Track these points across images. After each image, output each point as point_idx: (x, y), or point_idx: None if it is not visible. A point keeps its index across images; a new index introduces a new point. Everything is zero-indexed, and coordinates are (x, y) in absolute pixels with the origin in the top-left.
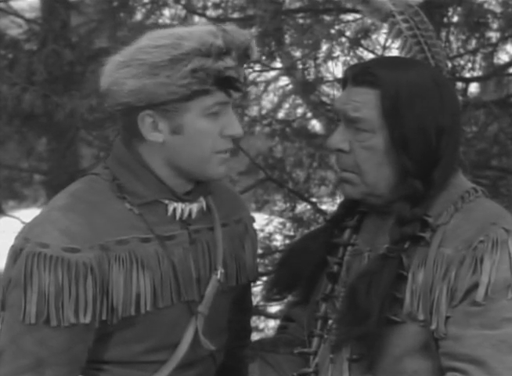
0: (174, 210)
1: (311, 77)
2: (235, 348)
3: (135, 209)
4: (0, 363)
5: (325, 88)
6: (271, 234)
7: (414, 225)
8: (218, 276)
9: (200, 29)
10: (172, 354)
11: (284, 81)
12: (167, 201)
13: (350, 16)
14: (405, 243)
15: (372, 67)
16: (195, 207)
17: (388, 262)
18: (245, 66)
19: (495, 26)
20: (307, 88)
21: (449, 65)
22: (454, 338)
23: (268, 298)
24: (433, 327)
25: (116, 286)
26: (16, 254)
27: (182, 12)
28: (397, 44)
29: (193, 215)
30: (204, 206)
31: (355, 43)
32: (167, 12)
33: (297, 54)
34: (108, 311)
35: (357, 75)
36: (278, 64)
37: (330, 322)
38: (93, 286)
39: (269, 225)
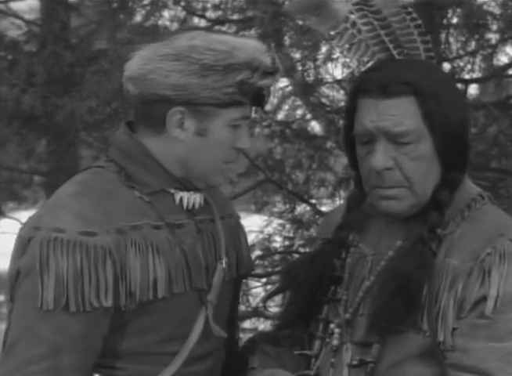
0: (181, 199)
1: (310, 78)
2: (225, 346)
3: (145, 197)
4: (14, 353)
5: (324, 90)
6: (270, 235)
7: (443, 216)
8: (224, 265)
9: (251, 43)
10: (184, 344)
11: (284, 82)
12: (173, 191)
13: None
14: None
15: (400, 75)
16: (198, 197)
17: (430, 251)
18: None
19: (494, 27)
20: (306, 90)
21: (449, 66)
22: (461, 350)
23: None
24: (440, 339)
25: (133, 270)
26: (23, 244)
27: (182, 14)
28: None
29: (197, 205)
30: (203, 199)
31: None
32: (166, 13)
33: (297, 55)
34: (126, 295)
35: (387, 87)
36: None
37: (332, 326)
38: (113, 269)
39: (269, 226)
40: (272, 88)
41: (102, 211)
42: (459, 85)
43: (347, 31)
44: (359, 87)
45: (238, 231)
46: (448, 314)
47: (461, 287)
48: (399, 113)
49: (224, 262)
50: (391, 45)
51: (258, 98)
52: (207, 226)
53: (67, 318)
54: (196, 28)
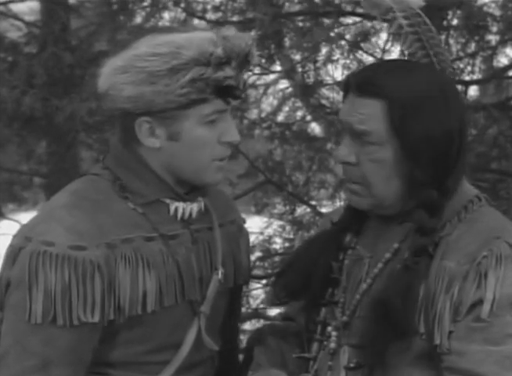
0: (176, 209)
1: (310, 80)
2: (224, 351)
3: (139, 208)
4: (4, 366)
5: (324, 91)
6: (270, 237)
7: (433, 236)
8: (219, 276)
9: (200, 36)
10: (175, 355)
11: (284, 84)
12: (168, 201)
13: (349, 19)
14: (425, 254)
15: (375, 76)
16: (195, 206)
17: (414, 274)
18: (245, 71)
19: (494, 29)
20: (306, 91)
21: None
22: (457, 354)
23: (275, 302)
24: (436, 342)
25: (122, 284)
26: (14, 253)
27: (182, 15)
28: (397, 45)
29: (194, 215)
30: (202, 206)
31: (354, 46)
32: (166, 15)
33: (297, 57)
34: (115, 310)
35: (360, 85)
36: (277, 67)
37: (329, 328)
38: (101, 284)
39: (269, 228)
40: (237, 75)
41: (93, 225)
42: (459, 87)
43: (395, 21)
44: (346, 81)
45: (239, 238)
46: (445, 317)
47: (457, 289)
48: (365, 113)
49: (220, 272)
50: (427, 45)
51: (224, 90)
52: (204, 235)
53: (56, 331)
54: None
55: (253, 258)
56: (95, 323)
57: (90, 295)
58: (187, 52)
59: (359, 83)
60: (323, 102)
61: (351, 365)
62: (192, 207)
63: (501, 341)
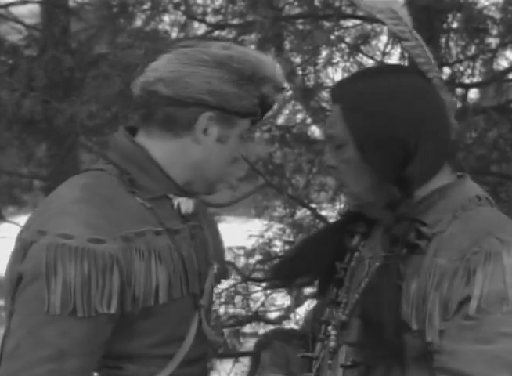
0: (179, 205)
1: (310, 83)
2: None
3: (146, 203)
4: (17, 356)
5: (325, 94)
6: (270, 240)
7: (400, 227)
8: (215, 270)
9: (270, 58)
10: (179, 347)
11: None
12: (171, 196)
13: (350, 22)
14: (398, 249)
15: (340, 83)
16: (191, 203)
17: (387, 271)
18: None
19: (494, 32)
20: (307, 94)
21: (449, 71)
22: (448, 353)
23: (276, 284)
24: (428, 339)
25: (138, 277)
26: (25, 247)
27: (182, 19)
28: (397, 47)
29: (190, 211)
30: (195, 205)
31: (354, 49)
32: (166, 18)
33: (297, 60)
34: (131, 302)
35: (331, 92)
36: None
37: (329, 327)
38: (119, 276)
39: (269, 231)
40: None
41: (107, 219)
42: (459, 90)
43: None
44: None
45: (218, 235)
46: (435, 315)
47: (446, 286)
48: (332, 118)
49: (215, 267)
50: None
51: (266, 111)
52: (198, 232)
53: (73, 323)
54: (215, 38)
55: (253, 261)
56: (111, 314)
57: (108, 287)
58: (268, 68)
59: (331, 91)
60: (323, 105)
61: (348, 363)
62: (190, 203)
63: (491, 339)
